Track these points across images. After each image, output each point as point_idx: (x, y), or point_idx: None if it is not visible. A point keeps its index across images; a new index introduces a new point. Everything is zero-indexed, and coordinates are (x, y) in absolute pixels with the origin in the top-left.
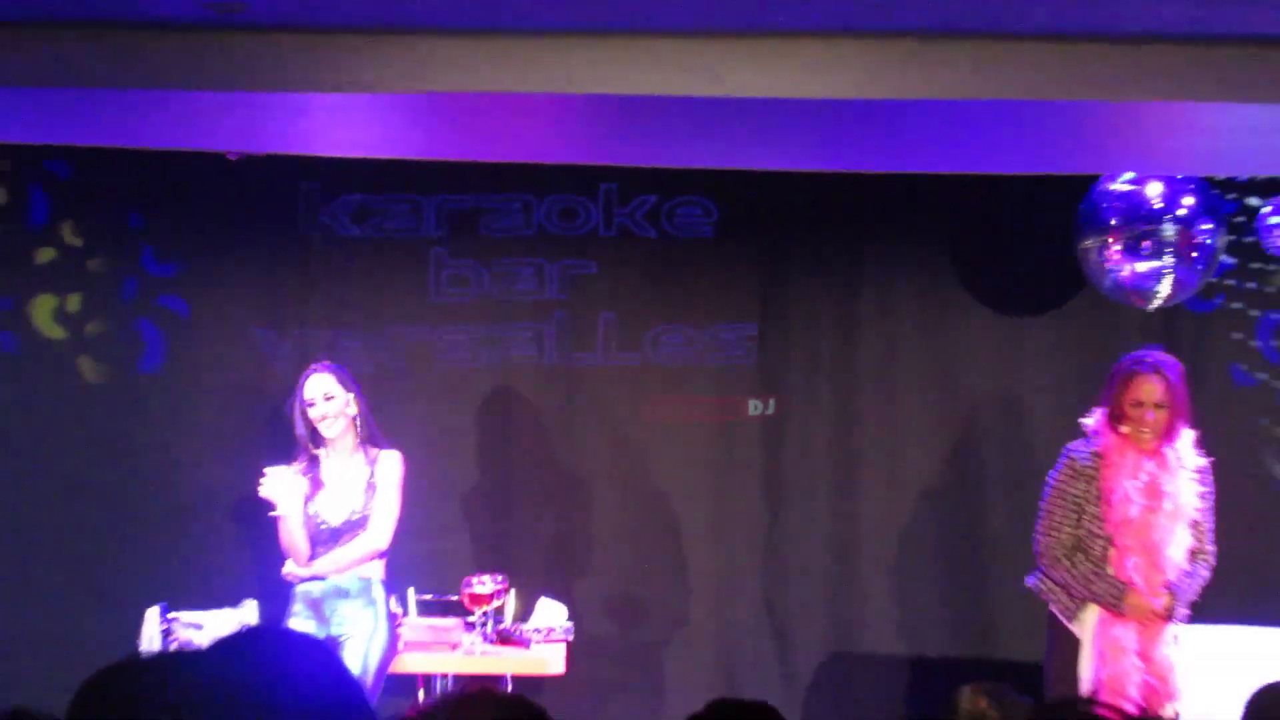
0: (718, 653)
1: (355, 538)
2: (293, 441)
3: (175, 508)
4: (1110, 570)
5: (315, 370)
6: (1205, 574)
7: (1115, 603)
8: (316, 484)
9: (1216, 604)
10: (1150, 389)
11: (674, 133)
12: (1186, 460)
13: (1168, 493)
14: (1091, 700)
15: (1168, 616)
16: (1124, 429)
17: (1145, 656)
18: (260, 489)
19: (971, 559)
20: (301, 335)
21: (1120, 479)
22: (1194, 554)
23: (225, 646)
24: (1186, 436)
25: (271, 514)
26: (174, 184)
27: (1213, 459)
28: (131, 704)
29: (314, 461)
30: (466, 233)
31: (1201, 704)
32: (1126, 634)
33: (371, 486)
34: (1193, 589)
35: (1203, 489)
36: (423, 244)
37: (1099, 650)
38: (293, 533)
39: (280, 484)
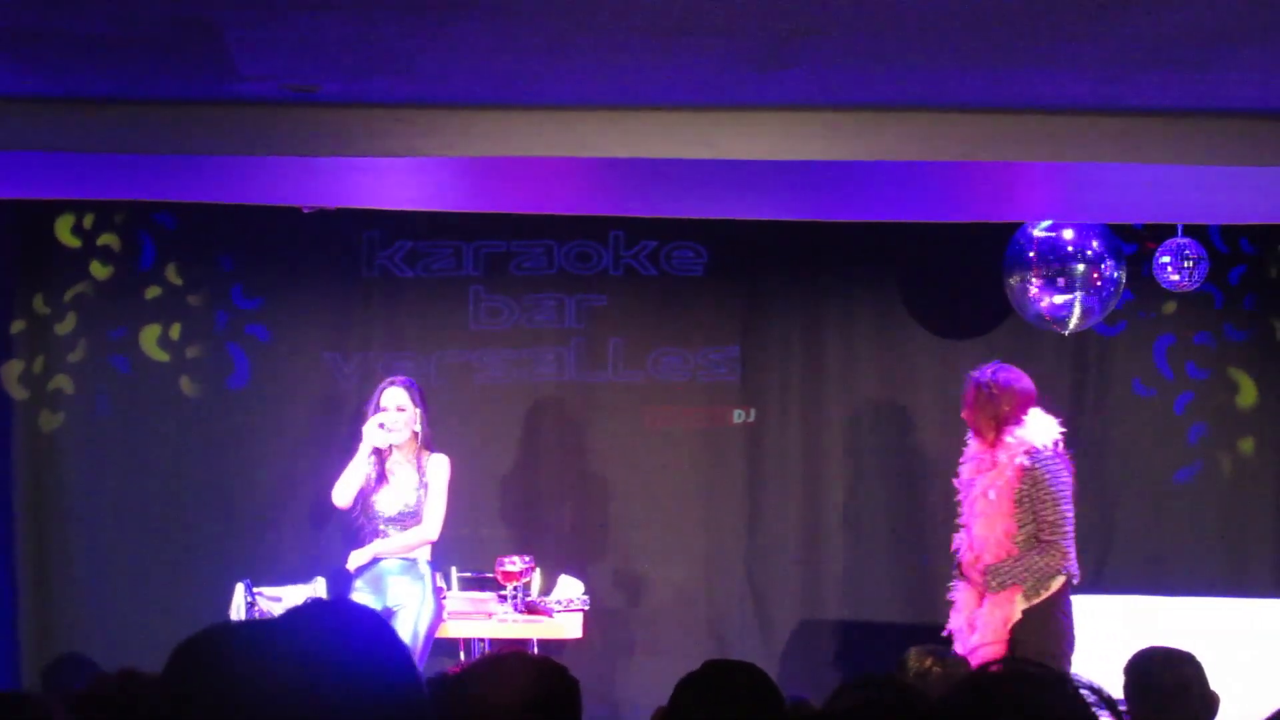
0: (708, 620)
1: (409, 527)
2: (355, 439)
3: (259, 501)
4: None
5: (394, 383)
6: (1040, 557)
7: (955, 571)
8: (380, 478)
9: (1121, 576)
10: (964, 397)
11: (671, 189)
12: (1017, 459)
13: (988, 485)
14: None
15: (984, 588)
16: None
17: (971, 619)
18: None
19: (916, 539)
20: (363, 358)
21: (962, 473)
22: (1031, 539)
23: (295, 615)
24: (1021, 437)
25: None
26: (258, 233)
27: (1071, 454)
28: (218, 661)
29: (380, 460)
30: (500, 272)
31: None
32: (962, 597)
33: (424, 485)
34: (1017, 568)
35: (1032, 484)
36: (464, 282)
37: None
38: (355, 466)
39: (375, 429)
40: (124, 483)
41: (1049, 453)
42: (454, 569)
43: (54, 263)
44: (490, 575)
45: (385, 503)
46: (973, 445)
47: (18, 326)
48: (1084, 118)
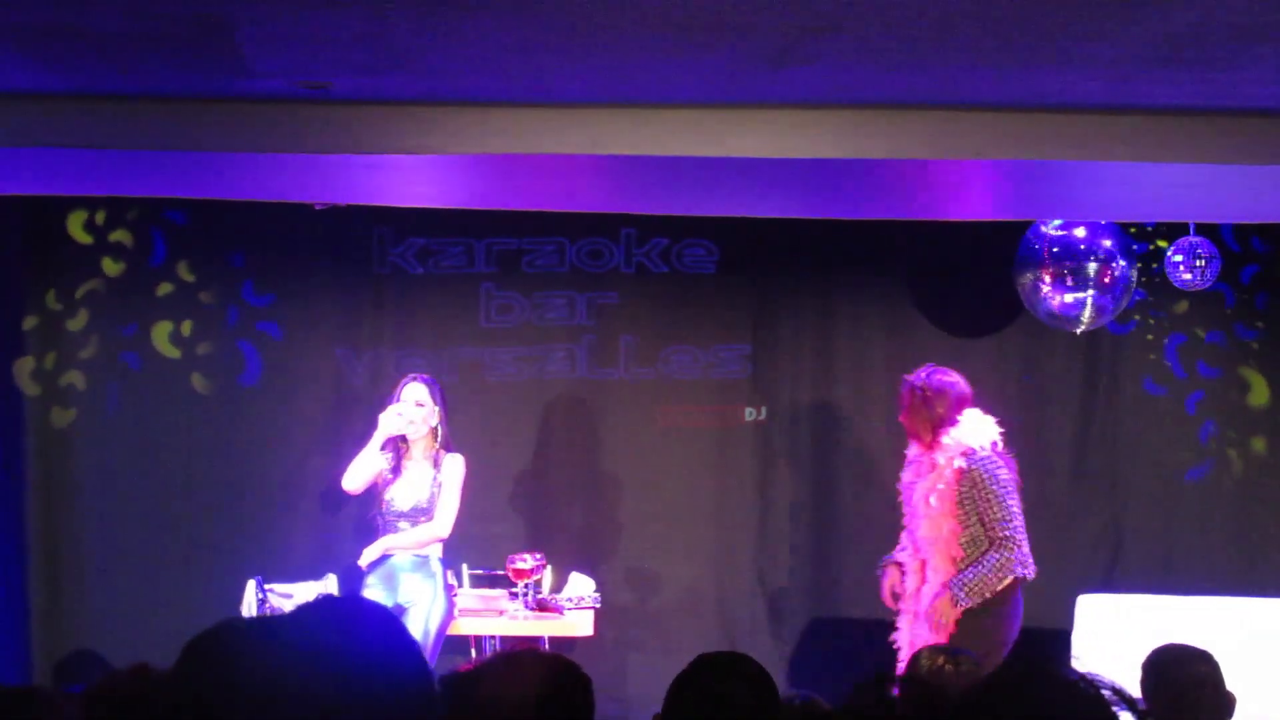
0: (719, 618)
1: (420, 523)
2: (366, 437)
3: (270, 497)
4: None
5: (412, 379)
6: (997, 554)
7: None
8: (396, 473)
9: (1132, 575)
10: (899, 401)
11: (683, 186)
12: (955, 461)
13: (928, 489)
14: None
15: (951, 604)
16: None
17: (916, 613)
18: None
19: None
20: (375, 355)
21: (904, 477)
22: (975, 540)
23: (305, 611)
24: (957, 439)
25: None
26: (270, 230)
27: (1013, 452)
28: (228, 657)
29: (397, 455)
30: (511, 270)
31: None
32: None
33: (438, 483)
34: (980, 572)
35: (971, 485)
36: (475, 279)
37: None
38: (367, 452)
39: (391, 416)
40: (135, 479)
41: (985, 452)
42: (465, 566)
43: (66, 259)
44: (501, 573)
45: (399, 498)
46: (913, 449)
47: (30, 323)
48: (1096, 116)
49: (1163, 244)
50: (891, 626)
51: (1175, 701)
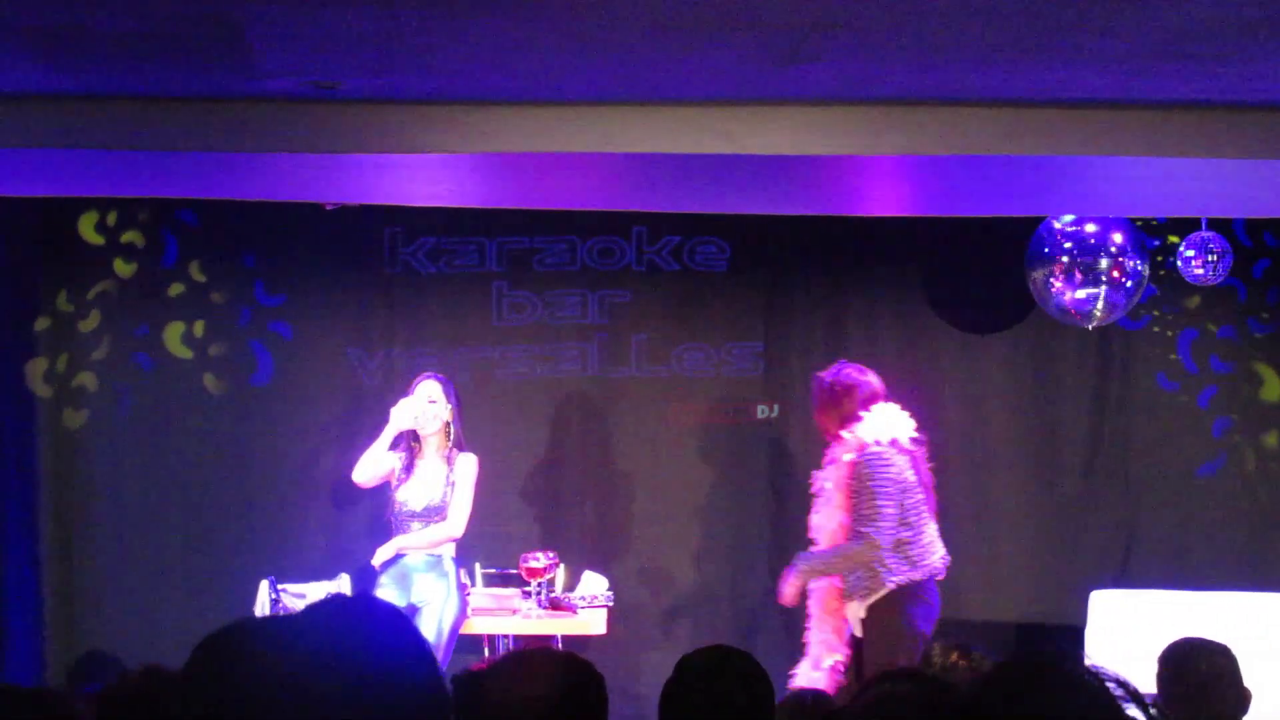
0: (732, 617)
1: (433, 523)
2: (378, 436)
3: (282, 498)
4: None
5: (427, 377)
6: (853, 545)
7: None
8: (408, 472)
9: (1145, 571)
10: (812, 398)
11: (694, 184)
12: (848, 455)
13: (825, 479)
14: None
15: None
16: None
17: (811, 608)
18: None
19: (939, 534)
20: (387, 355)
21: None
22: (848, 529)
23: (317, 611)
24: (856, 433)
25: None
26: (281, 230)
27: (924, 448)
28: (240, 657)
29: (410, 454)
30: (523, 268)
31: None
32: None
33: (451, 482)
34: (826, 554)
35: (858, 479)
36: (487, 278)
37: None
38: (377, 445)
39: (403, 409)
40: (147, 480)
41: (878, 448)
42: (478, 565)
43: (77, 260)
44: (514, 571)
45: (412, 498)
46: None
47: (42, 324)
48: (1107, 111)
49: (1175, 239)
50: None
51: (1193, 694)
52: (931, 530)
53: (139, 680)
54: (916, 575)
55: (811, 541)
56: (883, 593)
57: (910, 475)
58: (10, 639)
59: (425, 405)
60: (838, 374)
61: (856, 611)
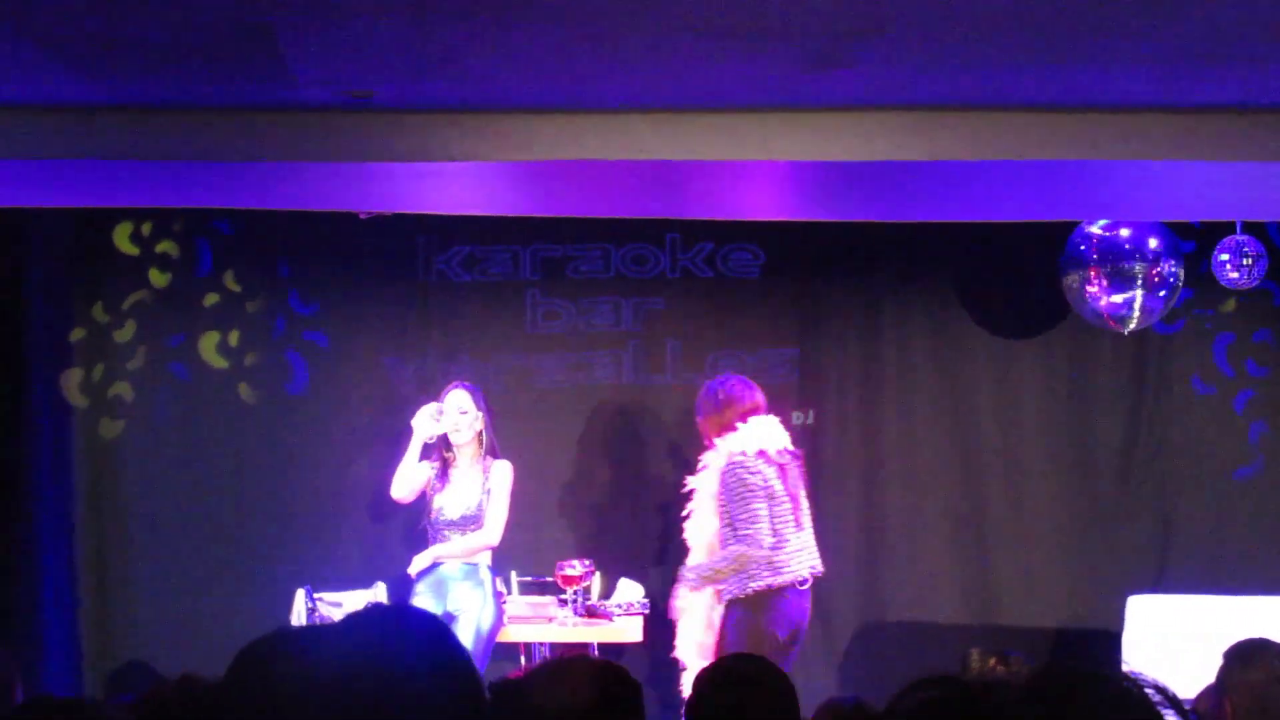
0: None
1: (471, 531)
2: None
3: (318, 506)
4: None
5: (457, 387)
6: (729, 550)
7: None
8: (444, 481)
9: (1182, 575)
10: (696, 405)
11: (727, 191)
12: (718, 464)
13: (697, 487)
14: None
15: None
16: None
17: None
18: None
19: (976, 541)
20: (421, 363)
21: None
22: (729, 540)
23: (356, 620)
24: (730, 443)
25: (426, 433)
26: (316, 239)
27: (797, 457)
28: (280, 666)
29: (444, 464)
30: (557, 276)
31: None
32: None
33: (486, 490)
34: (713, 561)
35: (725, 488)
36: (521, 286)
37: None
38: (407, 459)
39: (423, 415)
40: (183, 490)
41: (744, 457)
42: (514, 573)
43: (113, 270)
44: (550, 579)
45: (448, 506)
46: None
47: (77, 334)
48: (1140, 115)
49: (1209, 242)
50: None
51: (1256, 693)
52: (800, 539)
53: (175, 689)
54: (778, 581)
55: (685, 546)
56: (747, 594)
57: (777, 485)
58: (47, 648)
59: (456, 415)
60: (724, 384)
61: (720, 614)
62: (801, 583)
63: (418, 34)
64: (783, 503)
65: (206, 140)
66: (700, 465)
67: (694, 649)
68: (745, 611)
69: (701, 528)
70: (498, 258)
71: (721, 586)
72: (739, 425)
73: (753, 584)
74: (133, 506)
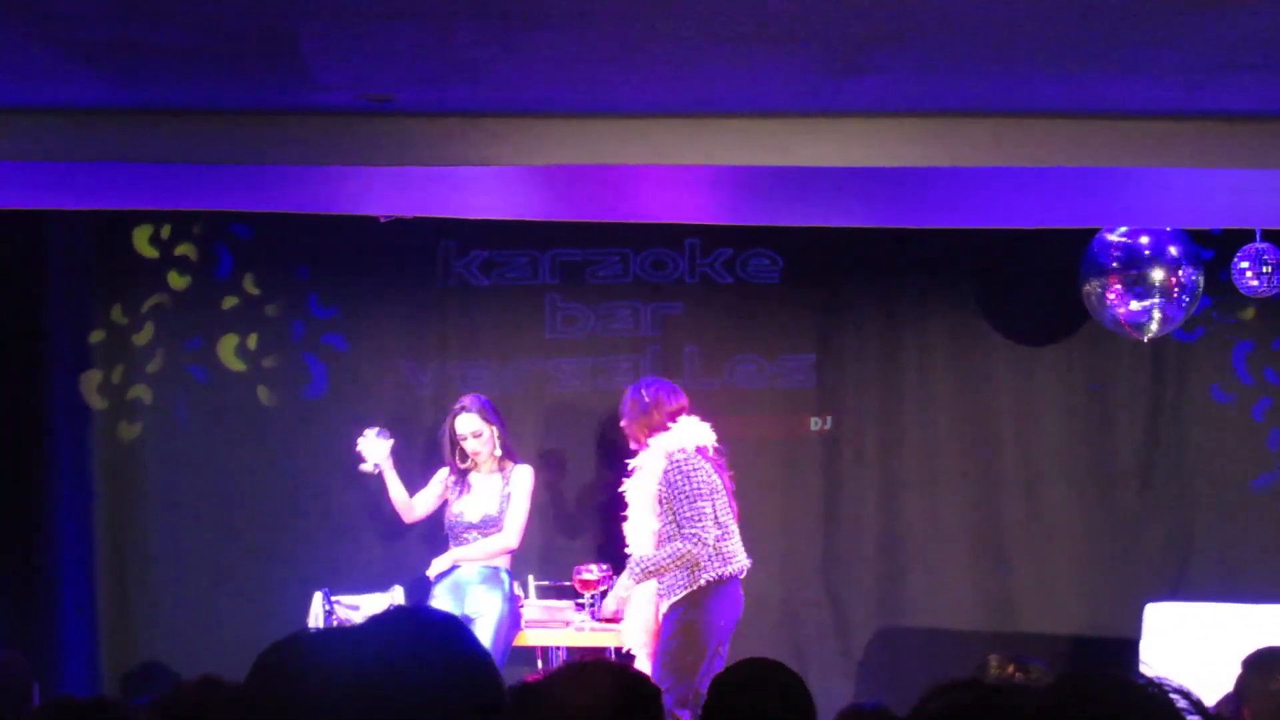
0: (786, 628)
1: (490, 534)
2: (431, 450)
3: (336, 509)
4: None
5: (464, 410)
6: (675, 546)
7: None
8: (462, 488)
9: (1200, 584)
10: (620, 409)
11: (747, 196)
12: (657, 463)
13: (634, 487)
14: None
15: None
16: None
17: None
18: (358, 444)
19: (994, 548)
20: (440, 367)
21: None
22: (672, 537)
23: (377, 622)
24: (664, 442)
25: (360, 467)
26: (335, 242)
27: (723, 455)
28: (301, 668)
29: (463, 471)
30: (576, 281)
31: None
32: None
33: (506, 494)
34: (659, 556)
35: (668, 485)
36: (539, 290)
37: None
38: (390, 488)
39: (368, 443)
40: (202, 492)
41: (684, 454)
42: (531, 577)
43: (132, 273)
44: (568, 583)
45: (467, 510)
46: (638, 453)
47: (96, 337)
48: (1161, 122)
49: (1229, 250)
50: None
51: (1275, 702)
52: (736, 531)
53: (195, 691)
54: (728, 571)
55: (625, 548)
56: (693, 589)
57: (717, 480)
58: (65, 650)
59: (471, 440)
60: (648, 386)
61: (662, 609)
62: (742, 573)
63: (439, 38)
64: (722, 496)
65: (227, 143)
66: (630, 469)
67: (643, 636)
68: (689, 608)
69: (640, 529)
70: (517, 262)
71: (662, 584)
72: (670, 425)
73: (704, 576)
74: (150, 508)
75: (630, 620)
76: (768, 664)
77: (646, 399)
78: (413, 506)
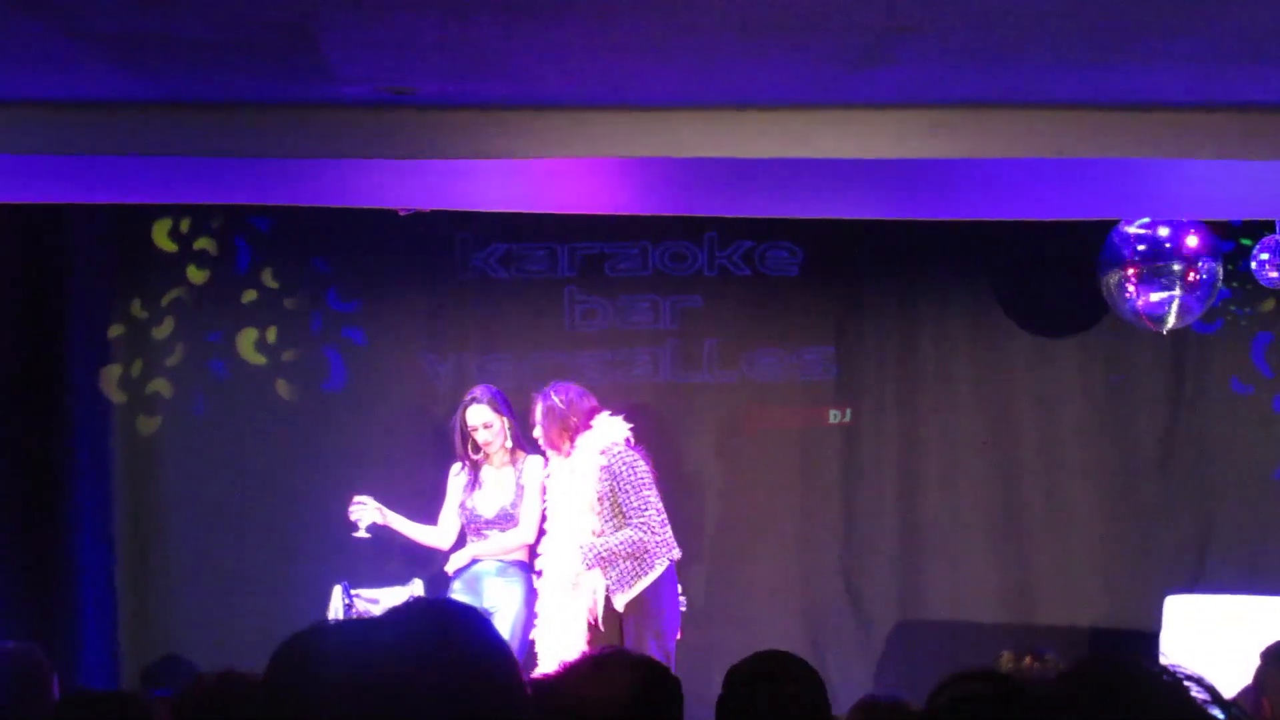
0: (805, 621)
1: (507, 528)
2: (449, 443)
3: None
4: None
5: (474, 401)
6: (627, 534)
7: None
8: (475, 483)
9: (1220, 575)
10: (531, 418)
11: (766, 188)
12: (594, 460)
13: (566, 489)
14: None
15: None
16: None
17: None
18: (350, 512)
19: (1013, 540)
20: (459, 360)
21: (548, 488)
22: (619, 529)
23: (398, 613)
24: (593, 440)
25: (355, 534)
26: (354, 236)
27: (644, 448)
28: (319, 661)
29: (474, 466)
30: (595, 274)
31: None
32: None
33: (519, 487)
34: (610, 542)
35: (611, 478)
36: (558, 283)
37: None
38: (413, 537)
39: (362, 510)
40: (221, 485)
41: (621, 448)
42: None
43: (151, 267)
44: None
45: (482, 504)
46: (552, 459)
47: (116, 331)
48: (1180, 114)
49: (1248, 242)
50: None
51: None
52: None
53: (215, 684)
54: (675, 555)
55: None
56: (652, 576)
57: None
58: (85, 643)
59: (482, 431)
60: (557, 391)
61: (621, 600)
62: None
63: (459, 31)
64: (656, 487)
65: (246, 137)
66: (547, 474)
67: (570, 621)
68: (654, 587)
69: (571, 533)
70: (536, 255)
71: (611, 578)
72: (590, 424)
73: (658, 564)
74: (170, 502)
75: (572, 611)
76: (782, 656)
77: (560, 403)
78: (443, 531)
